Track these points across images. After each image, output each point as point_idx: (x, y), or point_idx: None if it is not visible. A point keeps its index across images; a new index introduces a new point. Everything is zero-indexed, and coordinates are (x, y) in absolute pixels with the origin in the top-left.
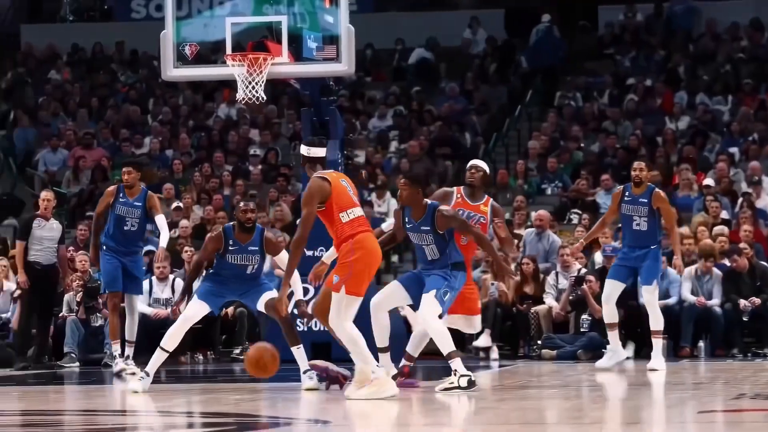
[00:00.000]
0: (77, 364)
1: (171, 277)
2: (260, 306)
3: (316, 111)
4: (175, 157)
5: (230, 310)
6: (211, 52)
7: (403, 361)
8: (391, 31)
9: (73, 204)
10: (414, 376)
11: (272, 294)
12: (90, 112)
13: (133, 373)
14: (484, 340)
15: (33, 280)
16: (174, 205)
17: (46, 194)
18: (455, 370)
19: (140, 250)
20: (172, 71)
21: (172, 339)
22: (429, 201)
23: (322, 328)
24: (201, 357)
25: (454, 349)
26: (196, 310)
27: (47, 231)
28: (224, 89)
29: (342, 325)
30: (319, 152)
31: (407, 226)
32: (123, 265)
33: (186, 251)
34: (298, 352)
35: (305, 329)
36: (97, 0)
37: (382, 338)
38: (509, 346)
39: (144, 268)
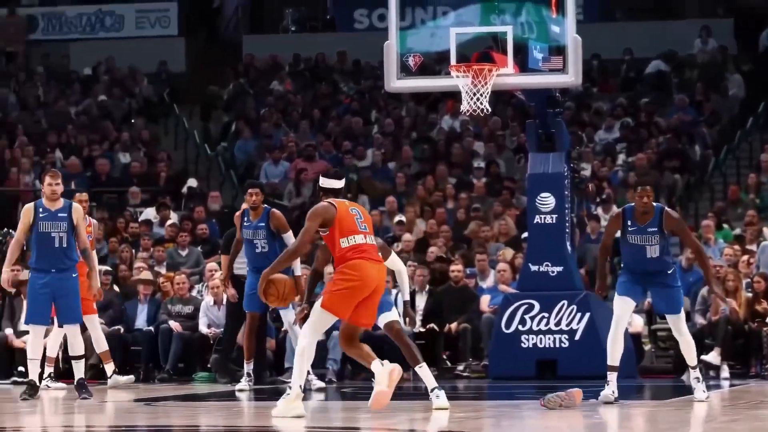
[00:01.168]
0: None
1: None
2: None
3: (541, 123)
4: (397, 170)
5: (453, 325)
6: (435, 63)
7: None
8: (618, 41)
9: (295, 216)
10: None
11: (391, 315)
12: (312, 123)
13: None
14: (713, 357)
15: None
16: (396, 219)
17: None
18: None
19: None
20: (395, 82)
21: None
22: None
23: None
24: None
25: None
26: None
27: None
28: (448, 100)
29: (304, 334)
30: (332, 184)
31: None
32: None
33: (409, 265)
34: (422, 371)
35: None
36: (320, 10)
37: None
38: (740, 364)
39: None
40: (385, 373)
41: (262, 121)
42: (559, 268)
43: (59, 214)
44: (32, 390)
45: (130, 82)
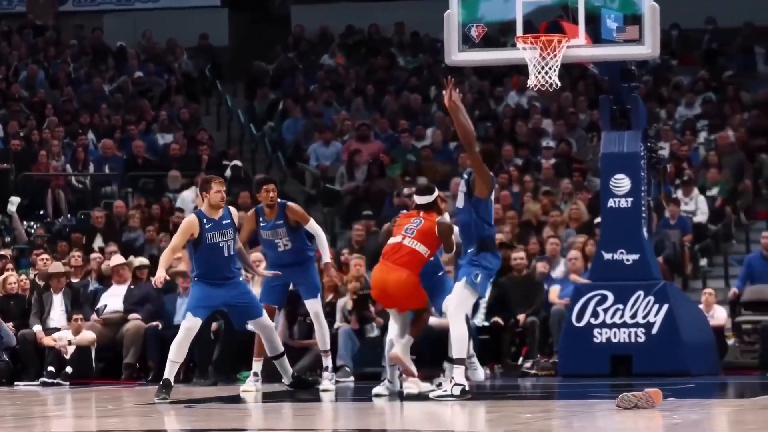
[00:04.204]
0: (352, 378)
1: None
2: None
3: (615, 98)
4: (459, 150)
5: (521, 317)
6: (500, 34)
7: None
8: (700, 9)
9: (347, 202)
10: None
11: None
12: (366, 100)
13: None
14: None
15: None
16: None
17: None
18: (452, 378)
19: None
20: (457, 55)
21: None
22: None
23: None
24: (488, 371)
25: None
26: None
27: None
28: (514, 75)
29: None
30: (422, 200)
31: None
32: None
33: None
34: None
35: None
36: None
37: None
38: None
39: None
40: None
41: (311, 98)
42: (635, 256)
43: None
44: (166, 390)
45: (168, 57)
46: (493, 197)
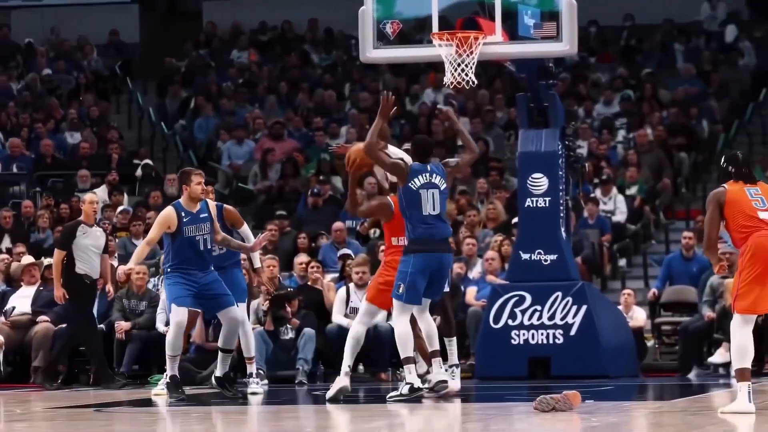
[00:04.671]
0: (266, 381)
1: None
2: None
3: (533, 96)
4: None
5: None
6: (416, 31)
7: None
8: (618, 6)
9: (261, 202)
10: None
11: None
12: (279, 98)
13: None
14: (721, 356)
15: (83, 293)
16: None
17: (92, 197)
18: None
19: None
20: (371, 52)
21: None
22: None
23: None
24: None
25: (412, 356)
26: None
27: (92, 239)
28: (430, 72)
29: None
30: None
31: None
32: None
33: None
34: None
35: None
36: None
37: None
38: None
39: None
40: None
41: (224, 96)
42: (553, 257)
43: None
44: (177, 387)
45: (78, 54)
46: None
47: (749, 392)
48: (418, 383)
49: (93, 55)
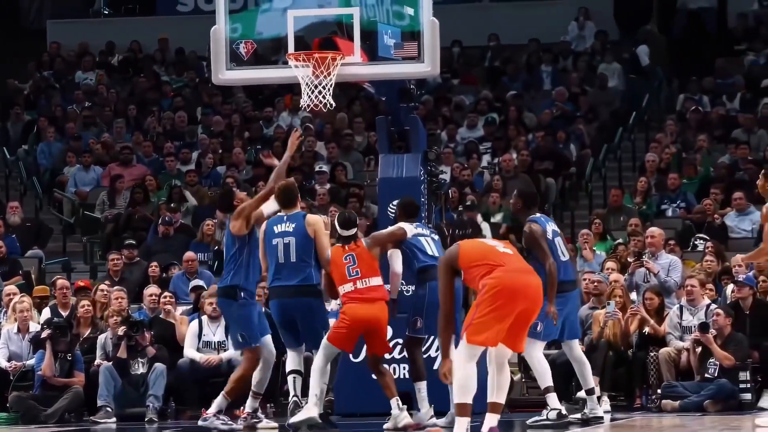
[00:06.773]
0: (113, 419)
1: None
2: None
3: (393, 119)
4: (227, 174)
5: None
6: (271, 51)
7: None
8: (482, 26)
9: (108, 230)
10: None
11: None
12: (128, 122)
13: None
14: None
15: None
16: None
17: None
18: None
19: None
20: (224, 73)
21: None
22: None
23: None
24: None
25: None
26: None
27: None
28: (286, 94)
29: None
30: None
31: None
32: None
33: None
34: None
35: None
36: None
37: None
38: (624, 395)
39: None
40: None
41: (69, 120)
42: (412, 287)
43: None
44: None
45: None
46: None
47: (467, 429)
48: (563, 410)
49: None
